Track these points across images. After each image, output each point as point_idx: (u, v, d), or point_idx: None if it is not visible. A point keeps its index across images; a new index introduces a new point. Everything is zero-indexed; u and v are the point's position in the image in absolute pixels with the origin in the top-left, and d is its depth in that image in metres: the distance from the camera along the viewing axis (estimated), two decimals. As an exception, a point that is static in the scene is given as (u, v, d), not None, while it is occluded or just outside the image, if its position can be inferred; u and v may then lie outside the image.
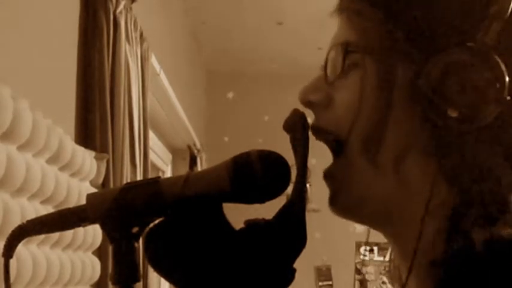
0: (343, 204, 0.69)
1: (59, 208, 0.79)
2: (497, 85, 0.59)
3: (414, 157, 0.64)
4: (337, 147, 0.68)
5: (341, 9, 0.70)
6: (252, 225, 0.64)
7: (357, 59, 0.66)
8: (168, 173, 4.10)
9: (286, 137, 0.68)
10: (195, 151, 4.21)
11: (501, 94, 0.59)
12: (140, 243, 0.65)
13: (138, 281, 0.64)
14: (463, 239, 0.59)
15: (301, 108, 0.70)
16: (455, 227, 0.60)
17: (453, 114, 0.59)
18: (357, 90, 0.65)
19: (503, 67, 0.59)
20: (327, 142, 0.70)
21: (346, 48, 0.67)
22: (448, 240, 0.60)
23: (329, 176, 0.70)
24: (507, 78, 0.59)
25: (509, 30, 0.61)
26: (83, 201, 0.65)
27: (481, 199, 0.60)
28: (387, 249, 4.11)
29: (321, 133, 0.69)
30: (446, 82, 0.59)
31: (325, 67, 0.70)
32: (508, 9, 0.60)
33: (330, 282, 4.27)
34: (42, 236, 1.37)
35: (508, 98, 0.59)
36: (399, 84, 0.63)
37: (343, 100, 0.67)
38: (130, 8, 2.16)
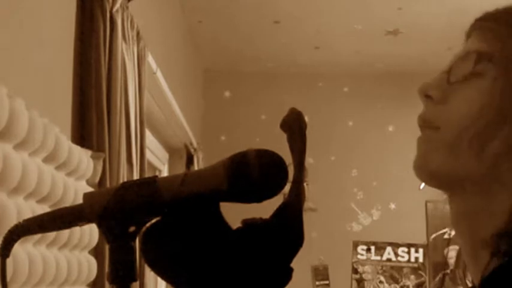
0: (434, 174, 0.75)
1: (56, 207, 0.79)
2: None
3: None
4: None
5: (473, 27, 0.78)
6: (249, 225, 0.64)
7: (482, 69, 0.73)
8: (165, 172, 4.10)
9: (284, 136, 0.68)
10: (192, 150, 4.21)
11: None
12: (137, 243, 0.65)
13: (135, 280, 0.64)
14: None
15: (298, 106, 0.70)
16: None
17: None
18: (483, 93, 0.71)
19: None
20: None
21: (479, 56, 0.73)
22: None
23: (426, 132, 0.76)
24: None
25: None
26: (80, 201, 0.65)
27: None
28: (384, 248, 4.12)
29: (426, 125, 0.76)
30: None
31: (449, 69, 0.76)
32: None
33: (327, 282, 4.28)
34: (39, 236, 1.37)
35: None
36: None
37: (462, 100, 0.73)
38: (127, 7, 2.16)
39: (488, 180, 0.71)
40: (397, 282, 4.06)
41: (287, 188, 0.65)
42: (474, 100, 0.72)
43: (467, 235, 0.73)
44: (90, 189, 1.71)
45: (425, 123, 0.76)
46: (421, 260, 4.04)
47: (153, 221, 0.65)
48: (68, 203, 1.49)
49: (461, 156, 0.72)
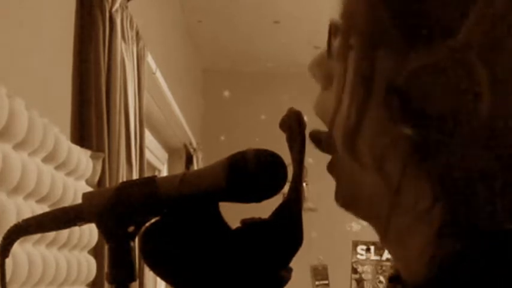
0: (341, 200, 0.67)
1: (55, 207, 0.79)
2: (476, 88, 0.51)
3: (395, 156, 0.56)
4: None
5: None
6: (249, 225, 0.64)
7: (340, 47, 0.60)
8: (164, 172, 4.10)
9: (283, 136, 0.68)
10: (191, 150, 4.21)
11: (480, 97, 0.51)
12: (136, 243, 0.65)
13: (134, 280, 0.64)
14: (450, 245, 0.54)
15: (298, 106, 0.70)
16: (442, 235, 0.55)
17: (433, 114, 0.52)
18: (339, 79, 0.60)
19: (481, 70, 0.51)
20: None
21: (330, 30, 0.62)
22: (434, 248, 0.55)
23: (328, 170, 0.66)
24: (486, 81, 0.51)
25: (497, 31, 0.52)
26: (79, 200, 0.65)
27: (470, 206, 0.54)
28: (384, 248, 4.12)
29: (318, 114, 0.64)
30: (425, 82, 0.53)
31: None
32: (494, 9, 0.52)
33: (327, 282, 4.28)
34: (38, 235, 1.37)
35: (489, 101, 0.51)
36: (379, 76, 0.56)
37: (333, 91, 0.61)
38: (126, 7, 2.15)
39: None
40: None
41: (286, 188, 0.65)
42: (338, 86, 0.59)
43: None
44: (89, 189, 1.71)
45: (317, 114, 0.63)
46: (420, 259, 4.04)
47: (153, 220, 0.65)
48: (67, 202, 1.49)
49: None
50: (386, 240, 0.63)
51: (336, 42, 0.61)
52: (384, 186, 0.57)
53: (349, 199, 0.64)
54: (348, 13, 0.60)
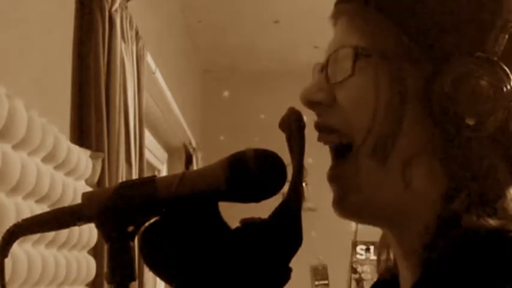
0: (352, 206, 0.69)
1: (54, 207, 0.79)
2: (505, 93, 0.62)
3: (421, 161, 0.65)
4: (343, 148, 0.68)
5: (339, 12, 0.71)
6: (248, 224, 0.64)
7: (363, 64, 0.67)
8: (164, 172, 4.10)
9: (282, 136, 0.68)
10: (191, 150, 4.20)
11: (508, 102, 0.62)
12: (136, 242, 0.65)
13: (134, 280, 0.64)
14: (452, 225, 0.61)
15: (297, 106, 0.70)
16: (447, 212, 0.62)
17: (470, 122, 0.62)
18: (368, 92, 0.66)
19: (510, 75, 0.62)
20: (331, 143, 0.70)
21: (356, 52, 0.67)
22: (438, 226, 0.62)
23: (335, 178, 0.70)
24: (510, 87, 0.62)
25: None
26: (78, 200, 0.65)
27: (477, 191, 0.62)
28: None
29: (327, 131, 0.69)
30: (459, 90, 0.62)
31: (326, 68, 0.70)
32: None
33: (326, 282, 4.28)
34: (37, 235, 1.36)
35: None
36: (411, 90, 0.65)
37: (349, 99, 0.67)
38: (126, 7, 2.15)
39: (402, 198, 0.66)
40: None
41: (286, 188, 0.65)
42: (362, 99, 0.66)
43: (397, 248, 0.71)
44: (89, 189, 1.71)
45: (324, 129, 0.70)
46: (420, 259, 4.04)
47: (152, 220, 0.65)
48: (67, 202, 1.49)
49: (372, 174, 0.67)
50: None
51: (343, 62, 0.68)
52: (405, 188, 0.65)
53: (364, 203, 0.68)
54: (369, 36, 0.67)
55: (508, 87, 0.62)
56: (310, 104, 0.70)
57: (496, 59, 0.63)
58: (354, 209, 0.70)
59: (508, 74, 0.62)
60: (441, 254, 0.60)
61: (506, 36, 0.63)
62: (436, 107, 0.63)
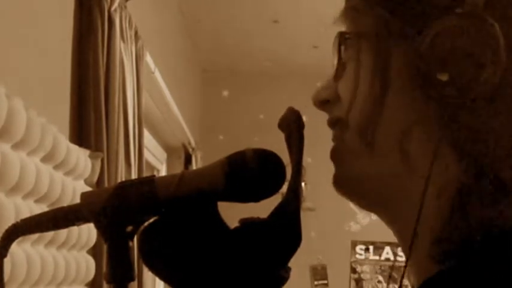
0: (341, 183, 0.69)
1: (53, 207, 0.79)
2: (492, 47, 0.57)
3: (417, 135, 0.62)
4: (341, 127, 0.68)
5: (341, 12, 0.71)
6: (247, 224, 0.64)
7: (350, 52, 0.66)
8: (163, 172, 4.10)
9: (282, 136, 0.68)
10: (190, 150, 4.20)
11: (497, 56, 0.57)
12: (135, 242, 0.65)
13: (133, 280, 0.64)
14: (465, 218, 0.57)
15: (297, 106, 0.70)
16: (459, 205, 0.58)
17: (443, 78, 0.57)
18: (353, 76, 0.65)
19: (496, 27, 0.57)
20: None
21: (339, 38, 0.67)
22: (450, 218, 0.58)
23: (331, 155, 0.70)
24: (502, 40, 0.57)
25: None
26: (77, 200, 0.65)
27: (492, 168, 0.58)
28: (383, 248, 4.12)
29: (333, 125, 0.69)
30: (434, 50, 0.58)
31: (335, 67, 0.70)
32: None
33: (326, 282, 4.28)
34: (36, 235, 1.36)
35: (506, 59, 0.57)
36: (395, 64, 0.63)
37: (345, 89, 0.67)
38: (125, 6, 2.15)
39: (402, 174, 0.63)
40: (395, 282, 4.06)
41: (285, 188, 0.65)
42: (353, 82, 0.65)
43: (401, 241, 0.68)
44: (88, 188, 1.71)
45: (331, 124, 0.69)
46: (419, 259, 4.04)
47: (151, 220, 0.65)
48: (66, 202, 1.49)
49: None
50: (395, 226, 0.67)
51: (348, 53, 0.67)
52: (403, 164, 0.63)
53: (352, 181, 0.68)
54: (350, 19, 0.66)
55: (495, 39, 0.57)
56: (320, 104, 0.70)
57: (478, 11, 0.57)
58: (343, 188, 0.69)
59: (490, 25, 0.57)
60: (458, 248, 0.57)
61: None
62: (420, 75, 0.59)
